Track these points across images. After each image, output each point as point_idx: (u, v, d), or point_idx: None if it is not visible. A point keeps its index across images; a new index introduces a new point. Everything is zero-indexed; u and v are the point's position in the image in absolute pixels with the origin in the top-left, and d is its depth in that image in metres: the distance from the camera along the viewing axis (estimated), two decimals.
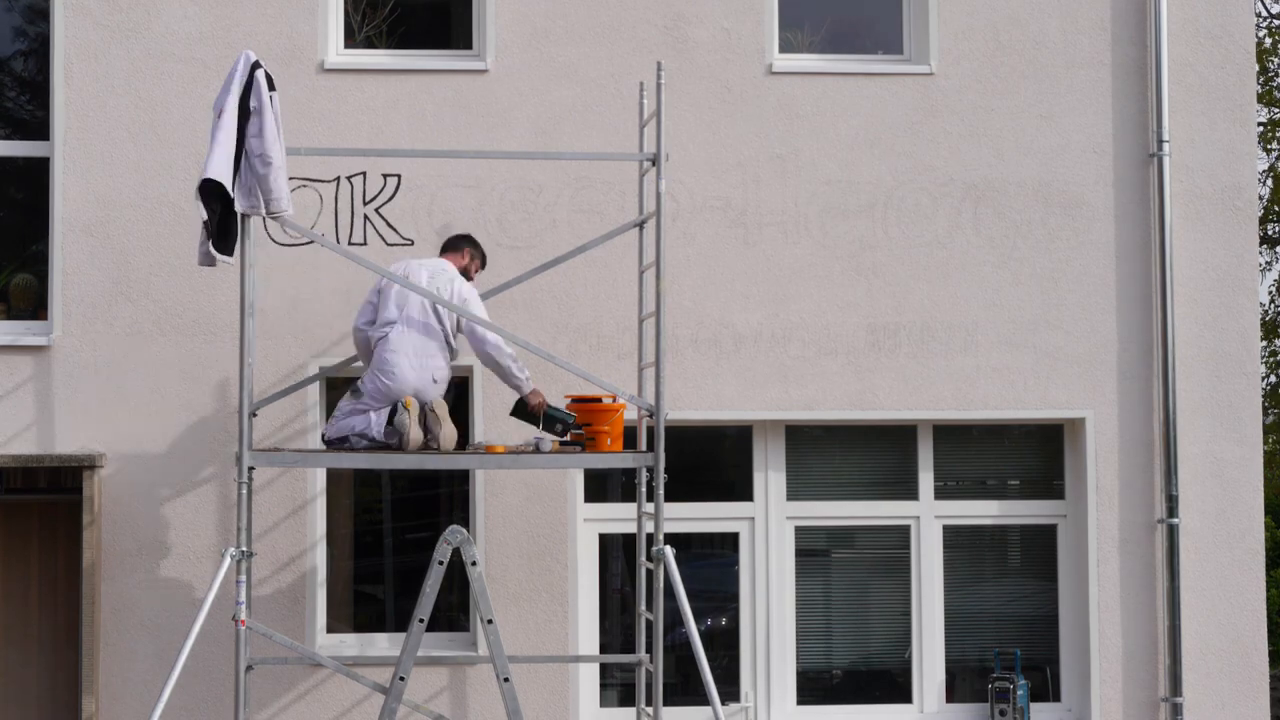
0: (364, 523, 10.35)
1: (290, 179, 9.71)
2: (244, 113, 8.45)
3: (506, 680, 8.48)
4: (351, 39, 10.17)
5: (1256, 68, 10.79)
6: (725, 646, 10.21)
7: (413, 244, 9.84)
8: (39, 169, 9.89)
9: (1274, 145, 22.71)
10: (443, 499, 10.31)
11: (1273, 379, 23.41)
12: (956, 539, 10.35)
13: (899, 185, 10.15)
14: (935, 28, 10.21)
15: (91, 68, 9.77)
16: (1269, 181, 22.79)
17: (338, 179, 9.84)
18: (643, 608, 9.37)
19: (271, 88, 8.67)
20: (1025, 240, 10.19)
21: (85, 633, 9.44)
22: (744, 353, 9.99)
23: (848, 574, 10.42)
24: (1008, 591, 10.44)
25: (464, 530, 8.50)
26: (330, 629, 9.93)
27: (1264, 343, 21.76)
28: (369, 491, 10.39)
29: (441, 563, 8.44)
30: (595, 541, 10.07)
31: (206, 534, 9.64)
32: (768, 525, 10.17)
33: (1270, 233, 23.17)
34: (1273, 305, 23.82)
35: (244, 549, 8.61)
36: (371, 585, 10.34)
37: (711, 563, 10.36)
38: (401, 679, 8.44)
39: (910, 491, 10.32)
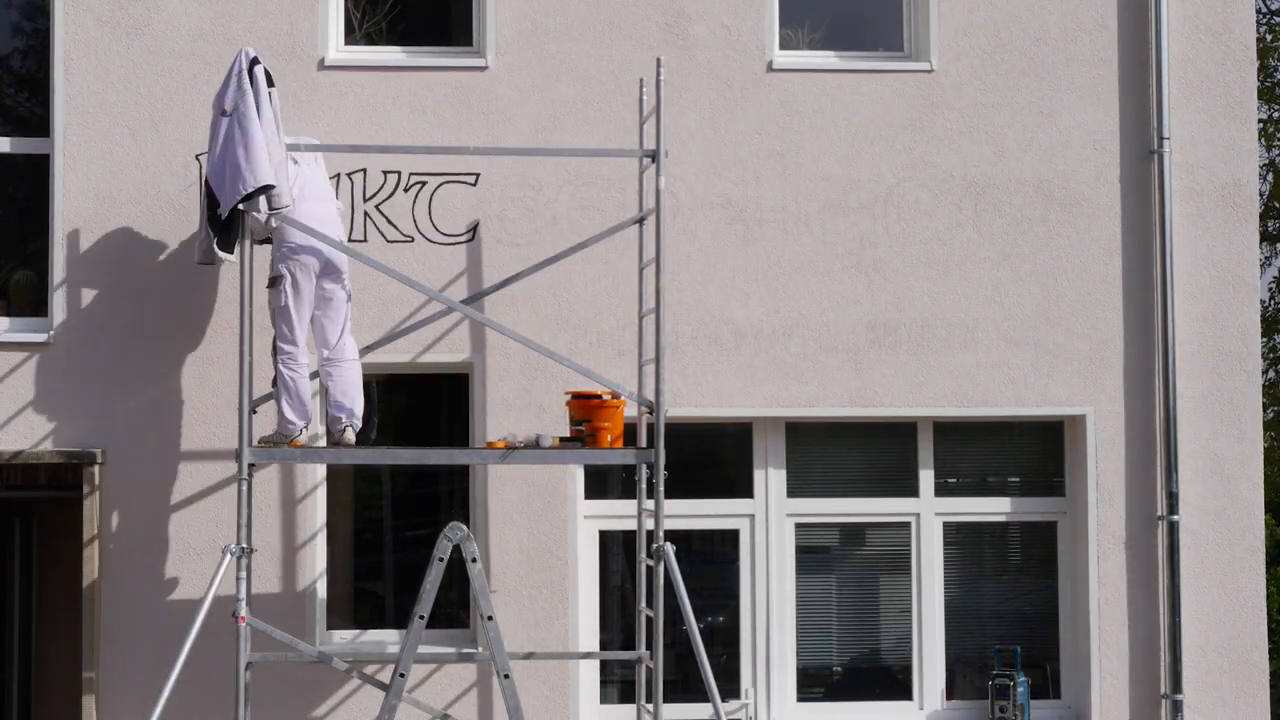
0: (364, 519, 10.35)
1: None
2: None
3: (506, 677, 8.50)
4: (351, 35, 10.16)
5: (1257, 64, 10.77)
6: (725, 643, 10.20)
7: (412, 241, 9.84)
8: (39, 166, 9.88)
9: (1275, 142, 22.72)
10: (443, 496, 10.31)
11: (1272, 375, 23.42)
12: (957, 536, 10.35)
13: (899, 182, 10.14)
14: (935, 25, 10.20)
15: (92, 64, 9.77)
16: (1269, 178, 22.79)
17: (338, 176, 9.84)
18: (643, 604, 9.37)
19: (270, 84, 8.66)
20: (1025, 237, 10.18)
21: (85, 629, 9.44)
22: (744, 349, 9.98)
23: (848, 571, 10.41)
24: (1008, 588, 10.43)
25: (464, 527, 8.53)
26: (331, 625, 9.92)
27: (1264, 339, 21.77)
28: (369, 488, 10.39)
29: (442, 559, 8.47)
30: (595, 538, 10.06)
31: (206, 530, 9.64)
32: (768, 522, 10.17)
33: (1270, 229, 23.17)
34: (1273, 301, 23.83)
35: (244, 545, 8.61)
36: (372, 582, 10.34)
37: (712, 560, 10.36)
38: (402, 675, 8.47)
39: (910, 488, 10.32)
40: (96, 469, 9.50)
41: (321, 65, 9.90)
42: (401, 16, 10.26)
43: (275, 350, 9.06)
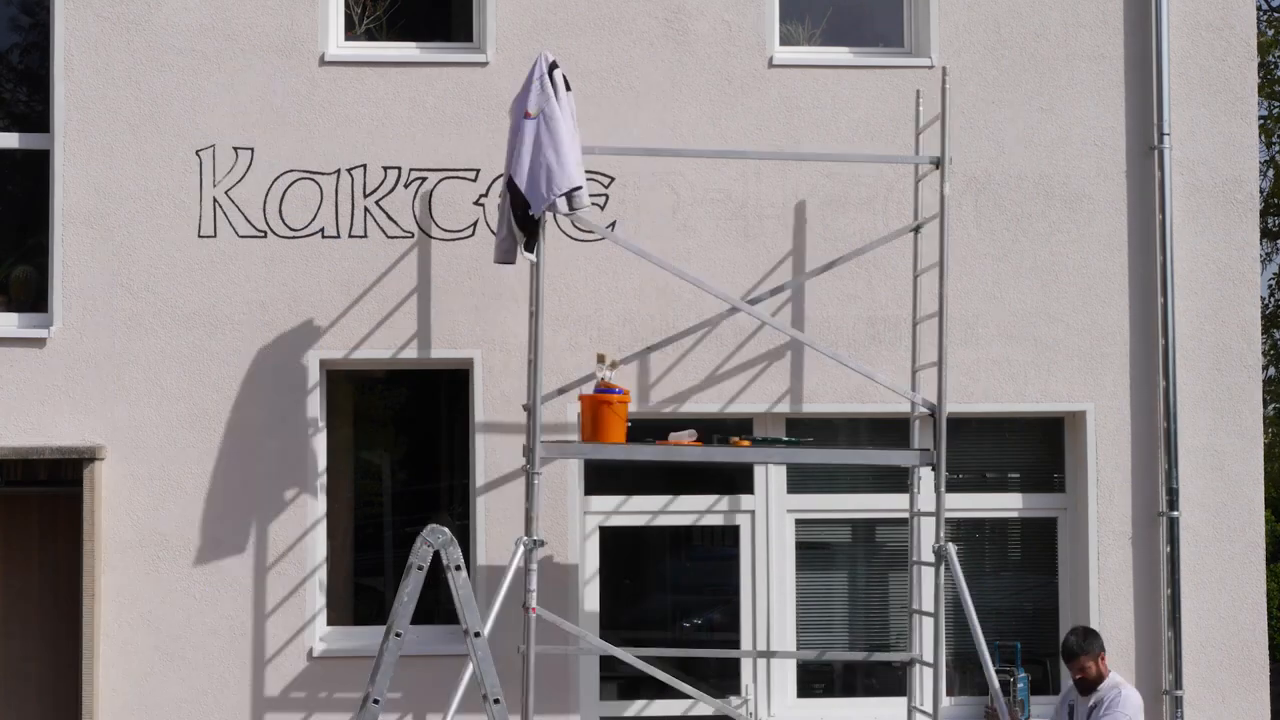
0: (364, 515, 10.34)
1: (290, 172, 9.78)
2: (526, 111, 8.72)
3: (497, 702, 7.35)
4: (352, 31, 10.16)
5: (1257, 60, 10.77)
6: (725, 640, 10.19)
7: (413, 236, 9.83)
8: (39, 161, 9.88)
9: (1276, 139, 22.71)
10: (443, 492, 10.30)
11: (1273, 371, 23.43)
12: (957, 532, 10.34)
13: (900, 178, 10.13)
14: (936, 20, 10.19)
15: (92, 60, 9.76)
16: (1269, 174, 22.80)
17: (338, 171, 9.84)
18: (915, 604, 9.69)
19: (568, 88, 8.80)
20: (1026, 233, 10.17)
21: (85, 625, 9.43)
22: (745, 345, 9.97)
23: (848, 567, 10.41)
24: (1008, 584, 10.42)
25: (446, 530, 7.37)
26: (330, 621, 9.93)
27: (1264, 335, 21.78)
28: (369, 485, 10.39)
29: (421, 568, 7.34)
30: (597, 534, 10.05)
31: (206, 526, 9.64)
32: (768, 518, 10.16)
33: (1270, 226, 23.17)
34: (1273, 298, 23.83)
35: (536, 538, 8.74)
36: (371, 578, 10.33)
37: (712, 555, 10.36)
38: (376, 701, 7.21)
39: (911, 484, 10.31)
40: (96, 464, 9.50)
41: (322, 61, 9.90)
42: (402, 12, 10.25)
43: None
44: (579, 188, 8.72)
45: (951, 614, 9.65)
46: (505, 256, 9.13)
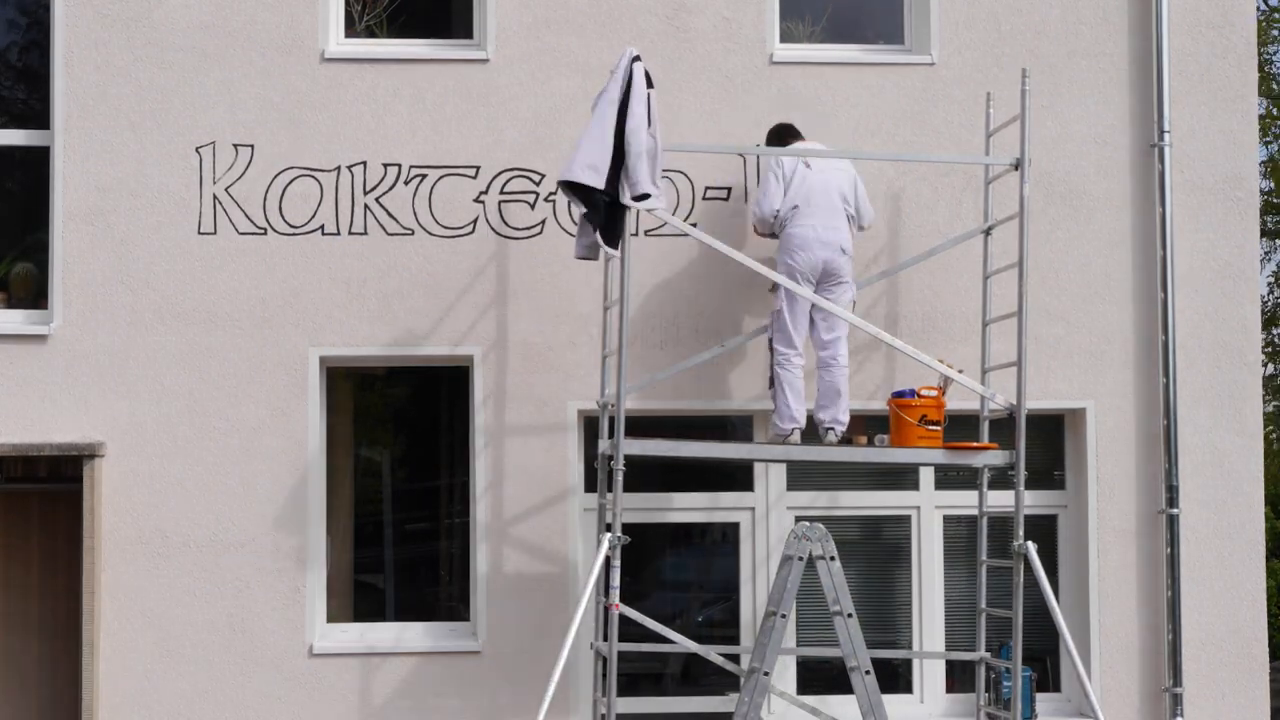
0: (364, 513, 10.33)
1: (290, 169, 9.79)
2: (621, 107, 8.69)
3: (868, 673, 8.73)
4: (352, 28, 10.16)
5: (1257, 59, 10.77)
6: (725, 637, 10.19)
7: (412, 234, 9.83)
8: (39, 158, 9.88)
9: (1274, 137, 22.72)
10: (443, 490, 10.30)
11: (1273, 369, 23.44)
12: (957, 529, 10.34)
13: (900, 175, 10.13)
14: (936, 17, 10.19)
15: (92, 56, 9.76)
16: (1269, 173, 22.79)
17: (338, 168, 9.84)
18: (982, 604, 9.73)
19: (649, 84, 8.77)
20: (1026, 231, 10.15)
21: (85, 622, 9.43)
22: (745, 343, 9.96)
23: (848, 564, 10.35)
24: (1008, 582, 10.40)
25: (820, 526, 8.82)
26: (331, 618, 9.93)
27: (1264, 333, 21.77)
28: (369, 482, 10.39)
29: (801, 559, 8.71)
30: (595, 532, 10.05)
31: (206, 523, 9.64)
32: (768, 515, 10.16)
33: (1270, 224, 23.17)
34: (1272, 296, 23.84)
35: (619, 535, 8.73)
36: (371, 575, 10.33)
37: (712, 552, 10.36)
38: (766, 674, 8.69)
39: (911, 481, 10.31)
40: (97, 461, 9.50)
41: (322, 58, 9.90)
42: (402, 9, 10.25)
43: (771, 351, 9.30)
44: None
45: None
46: (587, 252, 9.14)
